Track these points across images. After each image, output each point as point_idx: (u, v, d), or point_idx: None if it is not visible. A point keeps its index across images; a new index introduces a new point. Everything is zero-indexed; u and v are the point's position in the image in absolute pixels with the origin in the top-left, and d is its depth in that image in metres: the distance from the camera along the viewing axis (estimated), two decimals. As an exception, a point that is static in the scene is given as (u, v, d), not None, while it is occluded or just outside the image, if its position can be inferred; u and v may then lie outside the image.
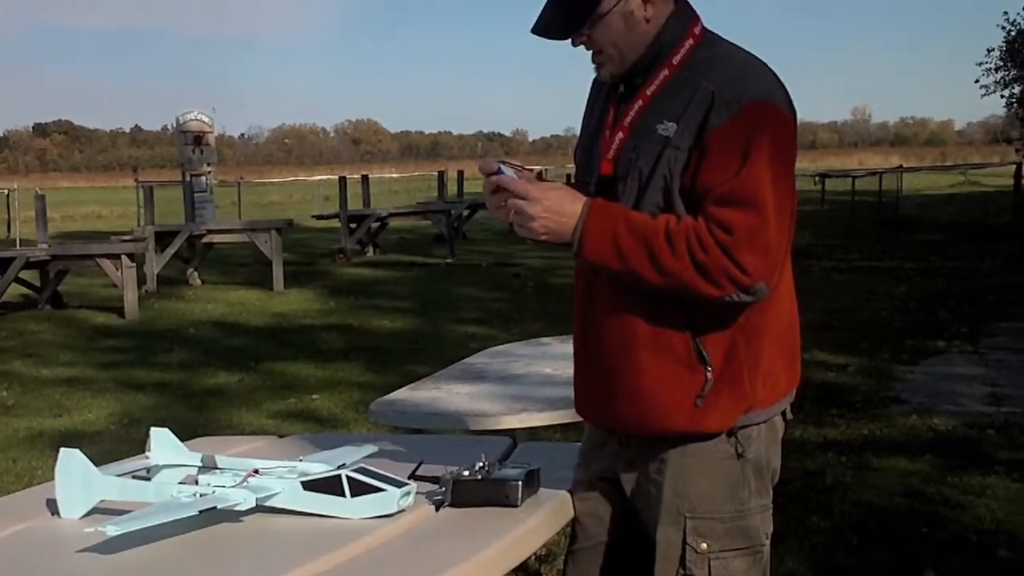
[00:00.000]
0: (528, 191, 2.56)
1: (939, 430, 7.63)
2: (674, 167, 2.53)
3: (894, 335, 11.43)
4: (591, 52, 2.66)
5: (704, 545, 2.64)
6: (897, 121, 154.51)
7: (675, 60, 2.60)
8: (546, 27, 2.62)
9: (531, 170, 2.75)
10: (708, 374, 2.56)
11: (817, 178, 32.57)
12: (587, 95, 2.88)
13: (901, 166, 35.85)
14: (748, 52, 2.64)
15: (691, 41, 2.62)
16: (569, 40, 2.65)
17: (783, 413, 2.76)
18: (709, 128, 2.48)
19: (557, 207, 2.56)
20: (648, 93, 2.62)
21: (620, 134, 2.65)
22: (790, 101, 2.59)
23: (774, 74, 2.60)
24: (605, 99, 2.76)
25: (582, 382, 2.83)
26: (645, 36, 2.61)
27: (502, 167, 2.63)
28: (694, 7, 2.69)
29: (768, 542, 2.73)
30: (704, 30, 2.67)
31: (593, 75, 2.82)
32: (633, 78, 2.66)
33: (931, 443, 7.29)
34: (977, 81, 33.90)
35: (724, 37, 2.69)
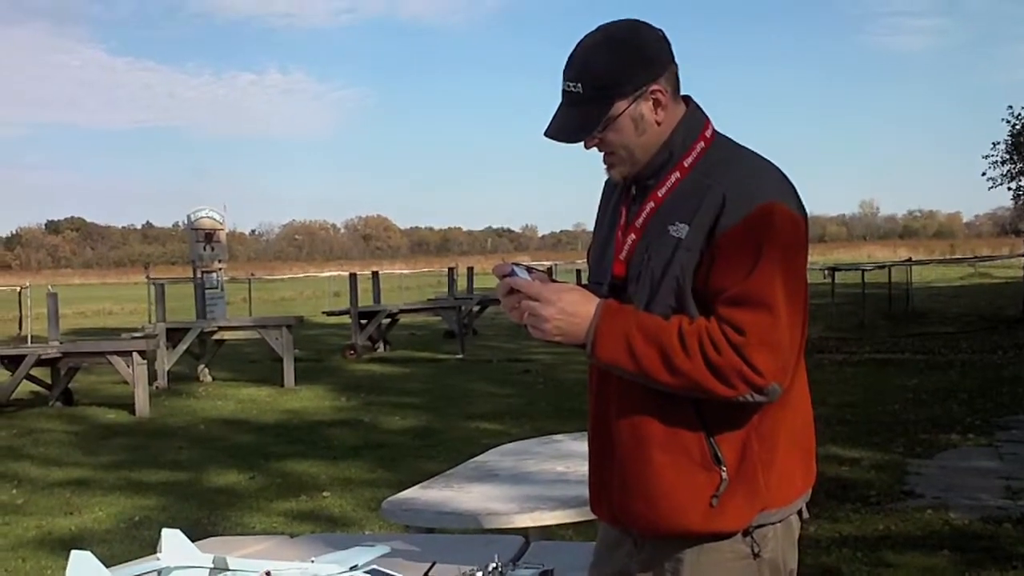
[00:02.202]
0: (541, 293, 2.58)
1: (955, 525, 7.55)
2: (686, 268, 2.54)
3: (907, 428, 11.37)
4: (603, 154, 2.69)
5: None
6: (905, 214, 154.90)
7: (686, 163, 2.63)
8: (559, 131, 2.64)
9: (543, 270, 2.77)
10: (723, 473, 2.55)
11: (827, 271, 32.59)
12: (599, 195, 2.91)
13: (910, 259, 35.91)
14: (759, 155, 2.67)
15: (702, 144, 2.65)
16: (581, 143, 2.67)
17: (799, 512, 2.73)
18: (720, 230, 2.50)
19: (570, 308, 2.57)
20: (660, 195, 2.64)
21: (632, 236, 2.67)
22: (801, 203, 2.60)
23: (785, 177, 2.63)
24: (617, 201, 2.79)
25: (597, 481, 2.82)
26: (656, 138, 2.64)
27: (515, 268, 2.65)
28: (704, 111, 2.72)
29: None
30: (715, 132, 2.69)
31: (601, 179, 2.85)
32: (644, 180, 2.68)
33: (947, 538, 7.22)
34: (984, 174, 34.00)
35: (734, 140, 2.71)
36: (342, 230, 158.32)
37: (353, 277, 24.32)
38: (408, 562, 3.02)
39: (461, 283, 30.61)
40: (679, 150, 2.64)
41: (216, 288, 20.07)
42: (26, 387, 16.49)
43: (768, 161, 2.65)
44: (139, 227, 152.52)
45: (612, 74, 2.60)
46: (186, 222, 21.04)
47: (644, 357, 2.51)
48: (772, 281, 2.48)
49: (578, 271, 28.73)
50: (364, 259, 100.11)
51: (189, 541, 2.96)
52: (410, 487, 4.96)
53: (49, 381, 16.57)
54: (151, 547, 3.03)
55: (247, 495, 9.69)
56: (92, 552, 2.77)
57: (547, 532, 4.21)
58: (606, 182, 2.87)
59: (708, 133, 2.67)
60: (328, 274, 43.04)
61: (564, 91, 2.64)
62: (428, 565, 2.98)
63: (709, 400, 2.51)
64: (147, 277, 25.74)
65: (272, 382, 18.06)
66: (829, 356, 17.81)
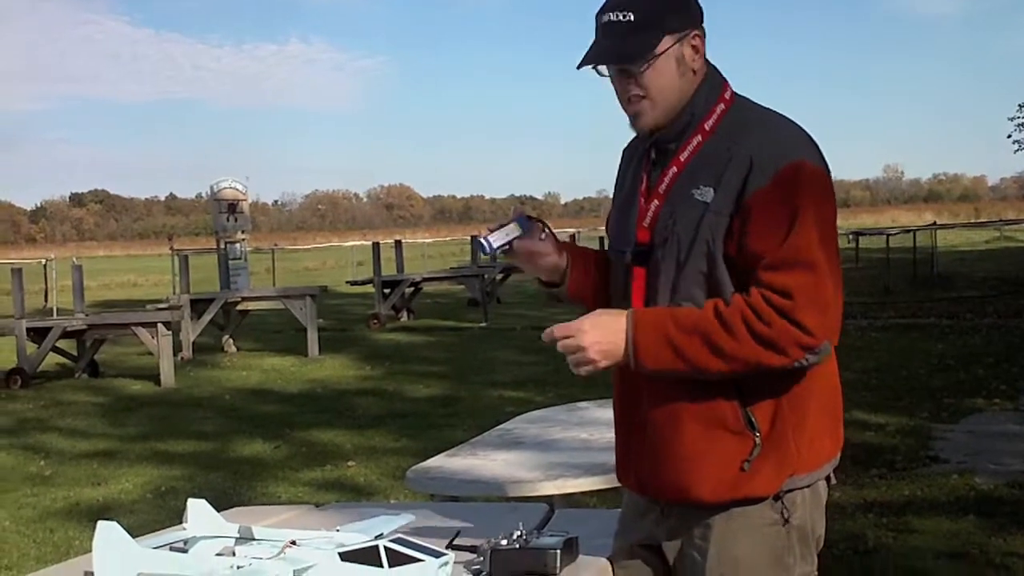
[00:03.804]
0: (569, 327, 2.57)
1: (981, 490, 7.52)
2: (716, 232, 2.52)
3: (933, 394, 11.33)
4: (630, 101, 2.64)
5: None
6: (930, 178, 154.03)
7: (707, 125, 2.61)
8: (600, 55, 2.61)
9: (541, 223, 2.79)
10: (756, 439, 2.55)
11: (851, 236, 32.42)
12: (618, 163, 2.89)
13: (935, 223, 35.72)
14: (779, 114, 2.65)
15: (722, 106, 2.64)
16: (614, 83, 2.64)
17: (827, 478, 2.73)
18: (748, 193, 2.49)
19: (603, 328, 2.56)
20: (682, 159, 2.62)
21: (656, 201, 2.65)
22: (824, 158, 2.59)
23: (807, 134, 2.61)
24: (636, 168, 2.76)
25: (624, 451, 2.81)
26: (688, 87, 2.63)
27: (520, 221, 2.70)
28: (723, 75, 2.70)
29: None
30: (734, 94, 2.68)
31: (622, 146, 2.82)
32: (665, 143, 2.66)
33: (973, 503, 7.20)
34: (1009, 136, 33.80)
35: (753, 100, 2.70)
36: (364, 199, 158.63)
37: (376, 246, 24.34)
38: (433, 531, 3.02)
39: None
40: (700, 112, 2.62)
41: (240, 259, 20.11)
42: (52, 359, 16.60)
43: (788, 119, 2.63)
44: (162, 199, 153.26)
45: (665, 7, 2.59)
46: (209, 193, 21.06)
47: (690, 353, 2.50)
48: (811, 239, 2.47)
49: (600, 238, 28.59)
50: (387, 228, 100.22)
51: (215, 511, 2.97)
52: (434, 455, 4.97)
53: (75, 353, 16.67)
54: (177, 517, 3.04)
55: (272, 465, 9.74)
56: (119, 522, 2.78)
57: (572, 500, 4.21)
58: (624, 151, 2.85)
59: (727, 95, 2.66)
60: (351, 244, 43.08)
61: (607, 23, 2.60)
62: (453, 533, 2.98)
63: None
64: (171, 248, 25.78)
65: (296, 352, 18.11)
66: (854, 321, 17.72)
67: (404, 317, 23.75)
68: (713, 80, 2.67)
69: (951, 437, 9.33)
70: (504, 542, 2.76)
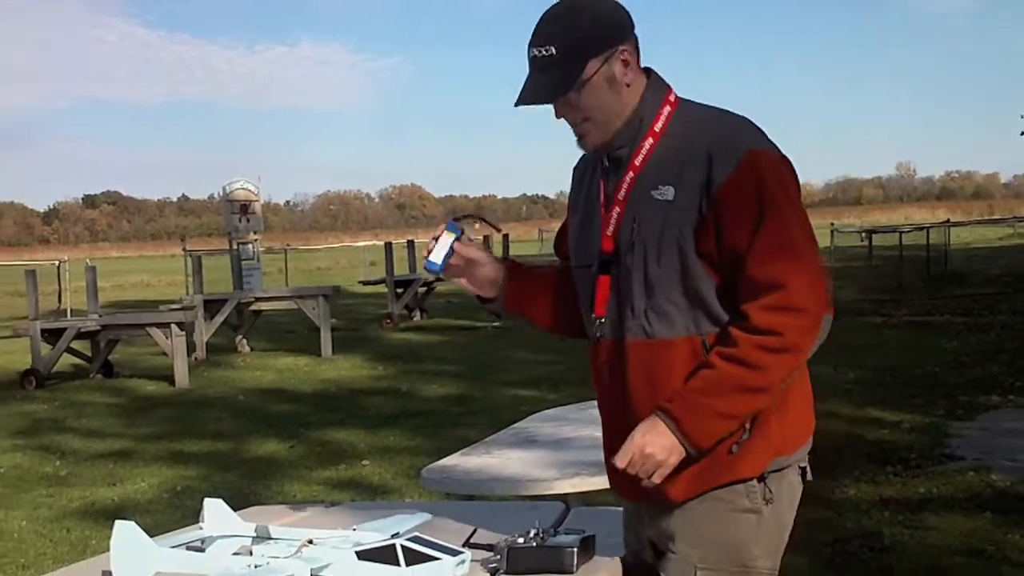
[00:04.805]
0: (629, 448, 2.59)
1: (997, 487, 7.50)
2: (684, 229, 2.55)
3: (947, 391, 11.29)
4: (573, 124, 2.69)
5: None
6: (942, 175, 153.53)
7: (656, 128, 2.64)
8: (534, 93, 2.65)
9: (472, 216, 2.94)
10: (746, 424, 2.58)
11: (864, 234, 32.38)
12: (569, 185, 2.91)
13: (948, 220, 35.59)
14: (727, 110, 2.69)
15: (668, 108, 2.67)
16: (553, 111, 2.68)
17: (803, 473, 2.74)
18: (715, 185, 2.51)
19: (648, 434, 2.57)
20: (637, 163, 2.65)
21: (617, 208, 2.67)
22: (776, 146, 2.63)
23: (755, 124, 2.65)
24: (591, 181, 2.79)
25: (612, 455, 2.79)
26: (628, 101, 2.65)
27: (450, 227, 2.79)
28: (665, 80, 2.73)
29: None
30: (678, 97, 2.71)
31: (573, 165, 2.87)
32: (618, 150, 2.68)
33: (989, 500, 7.17)
34: (1022, 133, 33.59)
35: (697, 101, 2.73)
36: (376, 199, 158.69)
37: (388, 246, 24.37)
38: (449, 530, 3.02)
39: (496, 250, 30.57)
40: (649, 116, 2.65)
41: (252, 259, 20.15)
42: (67, 360, 16.65)
43: (738, 115, 2.67)
44: (174, 200, 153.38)
45: (583, 34, 2.61)
46: (221, 194, 21.12)
47: (737, 409, 2.55)
48: (784, 221, 2.52)
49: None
50: (399, 228, 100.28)
51: (231, 510, 2.97)
52: (449, 455, 4.97)
53: (89, 354, 16.71)
54: (193, 516, 3.05)
55: (287, 464, 9.75)
56: (135, 522, 2.79)
57: (587, 498, 4.21)
58: (574, 168, 2.89)
59: (672, 98, 2.69)
60: (363, 243, 43.13)
61: (533, 59, 2.65)
62: (469, 531, 2.98)
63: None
64: (183, 249, 25.85)
65: (310, 352, 18.14)
66: (867, 319, 17.67)
67: (417, 317, 23.78)
68: (655, 85, 2.70)
69: (966, 434, 9.29)
70: (521, 540, 2.76)
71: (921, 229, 30.93)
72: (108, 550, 2.81)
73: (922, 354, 14.16)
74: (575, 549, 2.72)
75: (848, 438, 8.96)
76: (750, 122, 2.65)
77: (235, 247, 19.90)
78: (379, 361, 16.82)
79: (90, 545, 7.25)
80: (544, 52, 2.62)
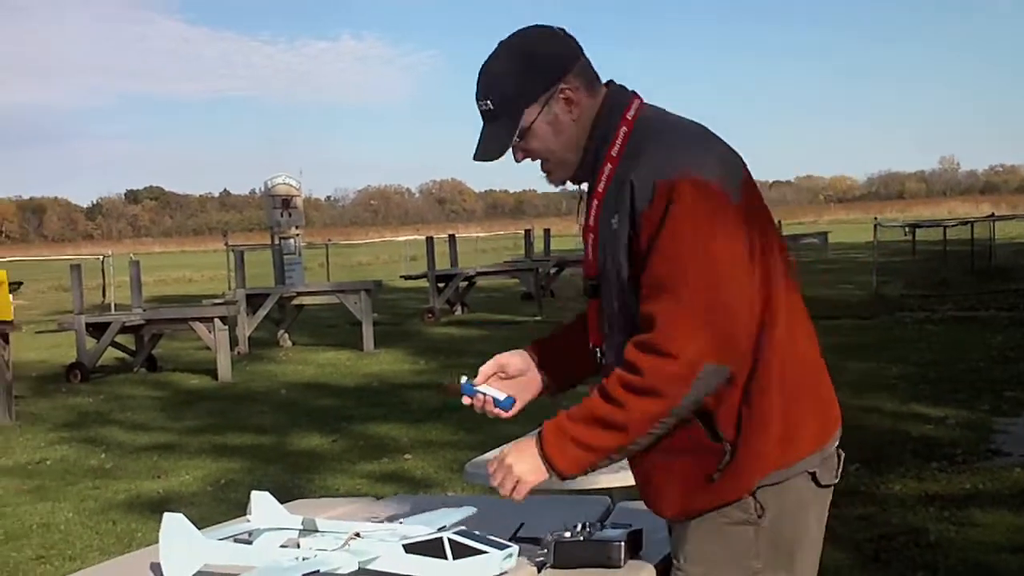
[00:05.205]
0: (494, 461, 2.66)
1: (1044, 483, 7.43)
2: (622, 258, 2.51)
3: (992, 386, 11.18)
4: (539, 165, 2.68)
5: None
6: (986, 169, 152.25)
7: (614, 152, 2.58)
8: (483, 152, 2.65)
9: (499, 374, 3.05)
10: (726, 447, 2.48)
11: (907, 228, 32.12)
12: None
13: (993, 214, 35.25)
14: (677, 125, 2.59)
15: (624, 128, 2.58)
16: (513, 158, 2.66)
17: (814, 476, 2.59)
18: (637, 215, 2.46)
19: (518, 450, 2.62)
20: (599, 190, 2.60)
21: (591, 235, 2.65)
22: (715, 168, 2.46)
23: (699, 144, 2.53)
24: (579, 204, 2.77)
25: None
26: (578, 135, 2.61)
27: (464, 387, 3.01)
28: (627, 89, 2.66)
29: None
30: (638, 111, 2.61)
31: None
32: (585, 179, 2.66)
33: (1036, 497, 7.11)
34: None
35: (659, 108, 2.64)
36: (417, 194, 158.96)
37: (430, 241, 24.39)
38: (494, 523, 3.02)
39: (538, 245, 30.56)
40: (607, 141, 2.59)
41: (294, 254, 20.22)
42: (111, 354, 16.81)
43: (686, 129, 2.58)
44: (216, 195, 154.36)
45: (515, 84, 2.58)
46: (263, 189, 21.21)
47: (595, 441, 2.52)
48: (678, 259, 2.40)
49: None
50: (439, 223, 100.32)
51: (278, 503, 2.99)
52: (492, 448, 4.97)
53: (133, 348, 16.85)
54: (237, 509, 3.07)
55: (330, 458, 9.79)
56: (181, 514, 2.81)
57: (631, 492, 4.19)
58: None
59: (630, 115, 2.60)
60: (404, 238, 43.22)
61: (480, 111, 2.64)
62: (514, 525, 2.98)
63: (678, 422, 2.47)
64: (226, 244, 25.99)
65: (351, 346, 18.20)
66: (911, 314, 17.60)
67: (458, 311, 23.80)
68: (613, 103, 2.61)
69: (1013, 430, 9.21)
70: (568, 534, 2.76)
71: (965, 223, 30.64)
72: (153, 542, 2.83)
73: (967, 349, 14.03)
74: (623, 543, 2.72)
75: (892, 433, 8.91)
76: (693, 140, 2.53)
77: (277, 242, 19.98)
78: (421, 355, 16.86)
79: (136, 537, 7.30)
80: (484, 106, 2.62)
